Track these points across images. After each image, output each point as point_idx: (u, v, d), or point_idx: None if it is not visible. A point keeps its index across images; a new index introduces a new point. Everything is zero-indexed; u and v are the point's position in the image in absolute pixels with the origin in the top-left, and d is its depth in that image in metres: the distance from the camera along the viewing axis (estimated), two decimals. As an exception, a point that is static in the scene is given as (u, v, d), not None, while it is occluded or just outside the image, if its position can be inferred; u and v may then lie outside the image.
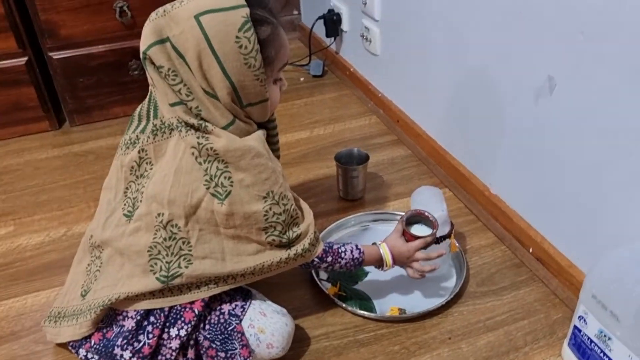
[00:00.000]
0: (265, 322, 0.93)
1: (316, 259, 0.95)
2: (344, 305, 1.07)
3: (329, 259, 0.97)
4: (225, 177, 0.84)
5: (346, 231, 1.27)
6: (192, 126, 0.84)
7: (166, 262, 0.86)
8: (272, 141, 1.04)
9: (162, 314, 0.89)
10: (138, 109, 0.93)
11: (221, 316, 0.93)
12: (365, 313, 1.06)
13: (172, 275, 0.86)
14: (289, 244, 0.91)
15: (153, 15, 0.83)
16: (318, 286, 1.11)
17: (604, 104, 0.91)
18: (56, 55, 1.60)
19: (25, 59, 1.59)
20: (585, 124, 0.96)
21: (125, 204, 0.91)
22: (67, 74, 1.64)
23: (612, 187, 0.93)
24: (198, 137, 0.83)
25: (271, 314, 0.95)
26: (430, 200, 1.10)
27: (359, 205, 1.35)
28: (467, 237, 1.25)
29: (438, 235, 1.08)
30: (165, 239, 0.86)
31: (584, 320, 0.88)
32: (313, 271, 1.13)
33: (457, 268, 1.16)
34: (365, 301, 1.09)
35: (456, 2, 1.24)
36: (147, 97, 0.92)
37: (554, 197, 1.08)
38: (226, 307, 0.94)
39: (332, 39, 1.94)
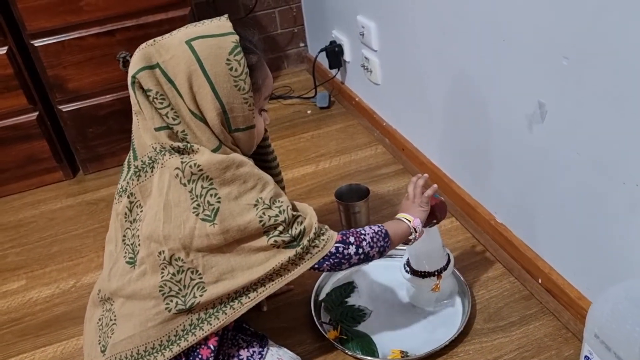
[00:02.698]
0: None
1: (340, 245, 0.89)
2: (345, 350, 1.04)
3: (352, 239, 0.91)
4: (211, 195, 0.83)
5: (347, 270, 1.23)
6: (176, 149, 0.85)
7: (181, 297, 0.86)
8: (270, 166, 1.05)
9: (182, 354, 0.89)
10: (127, 158, 0.95)
11: None
12: (368, 358, 1.03)
13: (190, 305, 0.86)
14: (295, 242, 0.87)
15: (143, 45, 0.86)
16: (319, 330, 1.09)
17: (593, 129, 0.87)
18: (65, 107, 1.65)
19: (37, 113, 1.64)
20: (579, 149, 0.92)
21: (125, 252, 0.92)
22: (77, 124, 1.68)
23: (612, 215, 0.89)
24: (182, 157, 0.84)
25: None
26: (424, 234, 1.07)
27: (363, 241, 1.33)
28: (475, 268, 1.21)
29: (430, 269, 1.06)
30: (173, 274, 0.86)
31: (590, 361, 0.83)
32: (314, 313, 1.11)
33: (463, 303, 1.12)
34: (367, 343, 1.06)
35: (443, 30, 1.23)
36: (131, 144, 0.93)
37: (557, 225, 1.03)
38: (244, 353, 0.94)
39: (336, 69, 1.94)
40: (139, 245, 0.88)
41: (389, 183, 1.53)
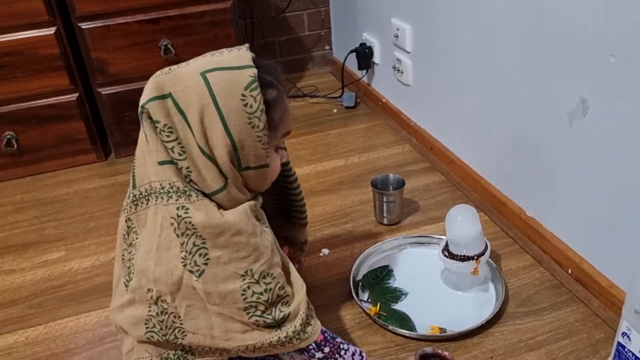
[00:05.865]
0: None
1: (312, 345, 0.89)
2: (385, 324, 1.09)
3: (327, 349, 0.90)
4: (200, 255, 0.81)
5: (383, 254, 1.29)
6: (176, 191, 0.81)
7: (162, 335, 0.86)
8: (293, 198, 1.08)
9: None
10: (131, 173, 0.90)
11: None
12: (407, 332, 1.07)
13: (171, 341, 0.87)
14: (277, 325, 0.85)
15: (158, 72, 0.83)
16: (357, 308, 1.13)
17: (635, 123, 0.93)
18: (105, 90, 1.70)
19: (77, 94, 1.69)
20: (619, 145, 0.98)
21: (124, 272, 0.90)
22: (115, 108, 1.73)
23: (650, 205, 0.95)
24: (178, 209, 0.80)
25: None
26: (465, 219, 1.13)
27: (395, 230, 1.38)
28: (505, 259, 1.27)
29: (469, 254, 1.11)
30: (158, 314, 0.86)
31: (628, 337, 0.88)
32: (353, 291, 1.16)
33: (496, 288, 1.17)
34: (405, 321, 1.11)
35: (484, 33, 1.29)
36: (131, 170, 0.89)
37: (591, 217, 1.09)
38: None
39: (364, 71, 2.00)
40: (134, 272, 0.87)
41: (417, 179, 1.59)
